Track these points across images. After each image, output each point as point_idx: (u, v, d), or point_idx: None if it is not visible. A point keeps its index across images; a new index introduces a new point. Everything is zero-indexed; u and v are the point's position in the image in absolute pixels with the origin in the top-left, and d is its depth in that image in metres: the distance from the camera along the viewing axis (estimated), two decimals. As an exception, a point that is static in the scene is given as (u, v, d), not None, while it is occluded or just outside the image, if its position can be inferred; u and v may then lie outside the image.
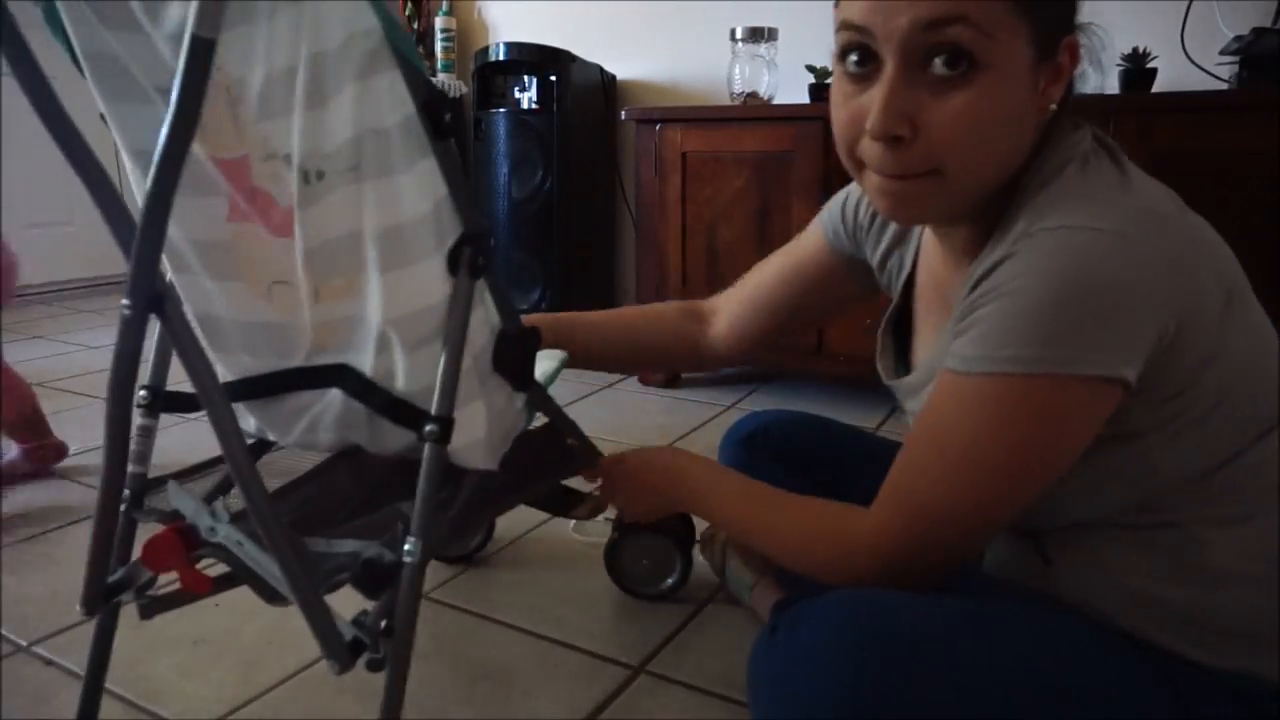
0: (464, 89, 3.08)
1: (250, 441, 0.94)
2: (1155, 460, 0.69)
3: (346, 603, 0.79)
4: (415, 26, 3.21)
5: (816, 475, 1.06)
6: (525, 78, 2.81)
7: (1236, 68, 1.90)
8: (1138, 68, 1.95)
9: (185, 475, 1.00)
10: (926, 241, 0.89)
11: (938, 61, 0.65)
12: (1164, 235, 0.65)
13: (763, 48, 2.43)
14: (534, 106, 2.79)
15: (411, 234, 0.76)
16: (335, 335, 0.86)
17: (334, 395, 0.88)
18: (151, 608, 0.86)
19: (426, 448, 0.78)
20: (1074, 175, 0.69)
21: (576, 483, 1.14)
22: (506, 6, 3.23)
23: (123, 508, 0.90)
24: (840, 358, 2.20)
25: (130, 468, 0.85)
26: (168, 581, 0.83)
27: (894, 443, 1.11)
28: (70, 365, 2.77)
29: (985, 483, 0.69)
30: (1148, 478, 0.70)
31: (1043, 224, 0.66)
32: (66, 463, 1.92)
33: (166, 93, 0.68)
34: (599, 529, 1.43)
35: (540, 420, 0.98)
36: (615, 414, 2.24)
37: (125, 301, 0.71)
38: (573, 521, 1.51)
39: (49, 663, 1.19)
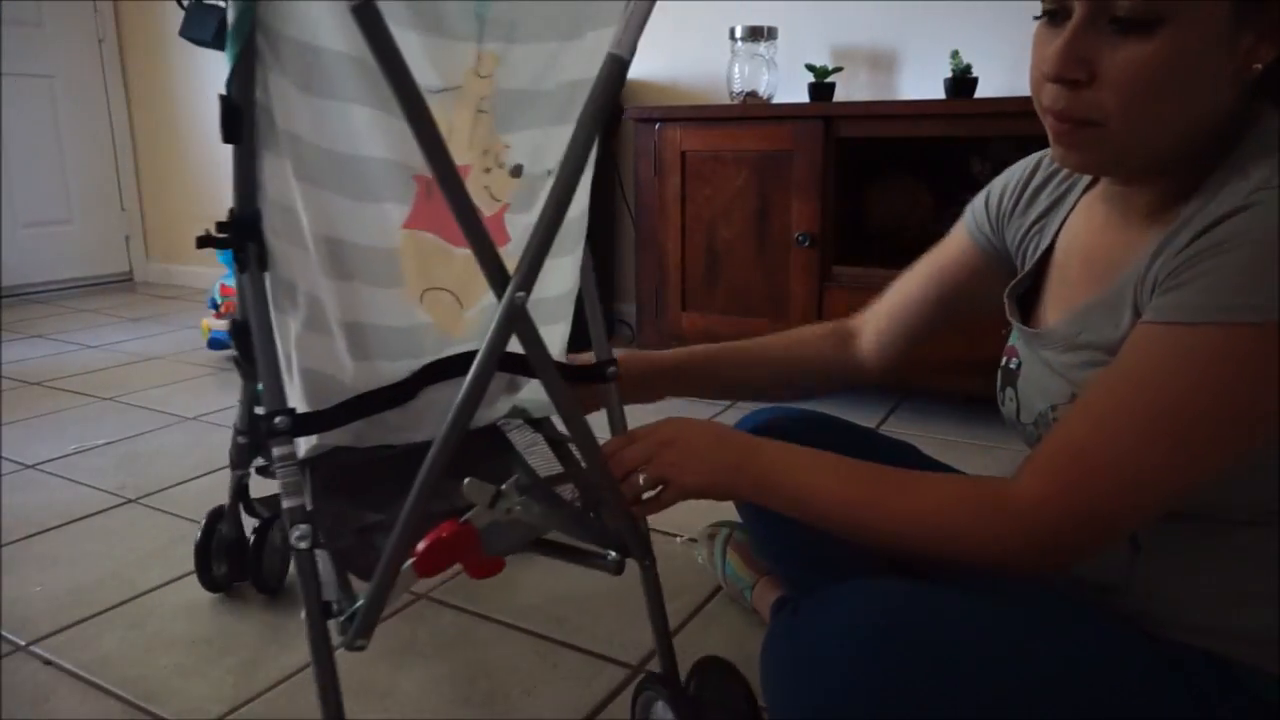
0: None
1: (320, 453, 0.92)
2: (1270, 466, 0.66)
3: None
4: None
5: None
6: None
7: None
8: None
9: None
10: (1082, 210, 0.84)
11: (1122, 5, 0.64)
12: None
13: (762, 47, 2.43)
14: (534, 106, 2.78)
15: (575, 228, 0.92)
16: (483, 321, 0.92)
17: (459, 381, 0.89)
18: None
19: (611, 388, 0.96)
20: None
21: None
22: (506, 6, 3.23)
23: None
24: (840, 357, 2.20)
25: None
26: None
27: (901, 442, 1.11)
28: (69, 365, 2.77)
29: (1194, 443, 0.63)
30: (1259, 480, 0.67)
31: (1267, 180, 0.63)
32: (67, 462, 1.92)
33: (434, 93, 0.76)
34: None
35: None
36: (615, 413, 2.24)
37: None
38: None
39: (48, 663, 1.19)
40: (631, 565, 0.94)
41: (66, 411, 2.28)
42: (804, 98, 2.41)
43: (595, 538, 0.93)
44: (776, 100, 2.47)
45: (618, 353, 0.97)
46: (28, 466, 1.91)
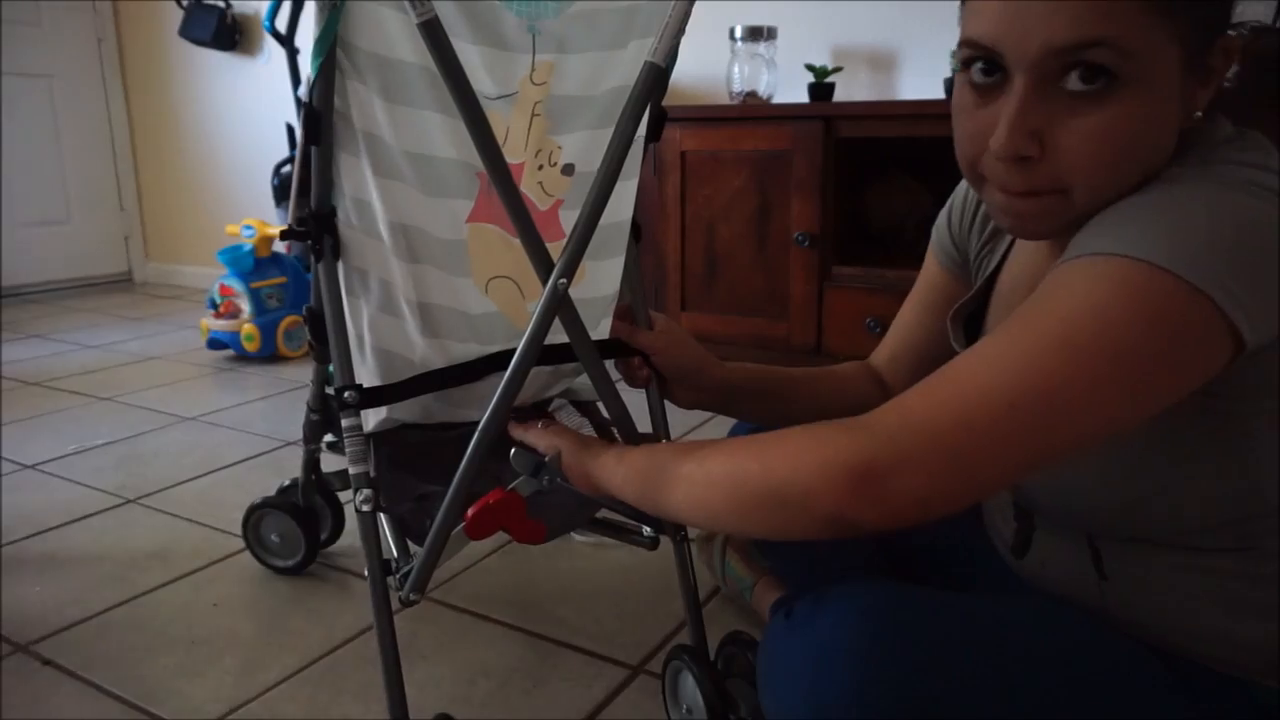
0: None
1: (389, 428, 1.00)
2: (1261, 478, 0.65)
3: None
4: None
5: None
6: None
7: None
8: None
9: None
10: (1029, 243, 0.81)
11: (1073, 76, 0.60)
12: None
13: (762, 47, 2.43)
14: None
15: (620, 230, 0.98)
16: None
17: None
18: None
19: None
20: (1228, 147, 0.63)
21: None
22: (505, 6, 3.23)
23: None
24: (840, 357, 2.20)
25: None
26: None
27: None
28: (68, 365, 2.77)
29: (1080, 372, 0.56)
30: (1248, 497, 0.66)
31: (1199, 161, 0.62)
32: (66, 462, 1.92)
33: (493, 100, 0.84)
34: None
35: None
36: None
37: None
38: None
39: (48, 663, 1.19)
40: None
41: (65, 411, 2.28)
42: (804, 98, 2.41)
43: (632, 513, 0.99)
44: (776, 100, 2.47)
45: (660, 318, 1.01)
46: (27, 466, 1.90)
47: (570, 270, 0.78)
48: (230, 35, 3.62)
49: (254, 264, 2.73)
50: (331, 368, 0.94)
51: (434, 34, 0.70)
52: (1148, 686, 0.68)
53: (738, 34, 2.41)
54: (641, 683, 1.13)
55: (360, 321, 0.94)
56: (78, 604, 1.34)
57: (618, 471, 0.80)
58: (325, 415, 1.25)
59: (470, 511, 0.81)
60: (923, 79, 2.46)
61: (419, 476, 0.99)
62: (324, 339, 0.93)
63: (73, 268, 4.03)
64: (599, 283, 1.00)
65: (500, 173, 0.75)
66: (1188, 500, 0.67)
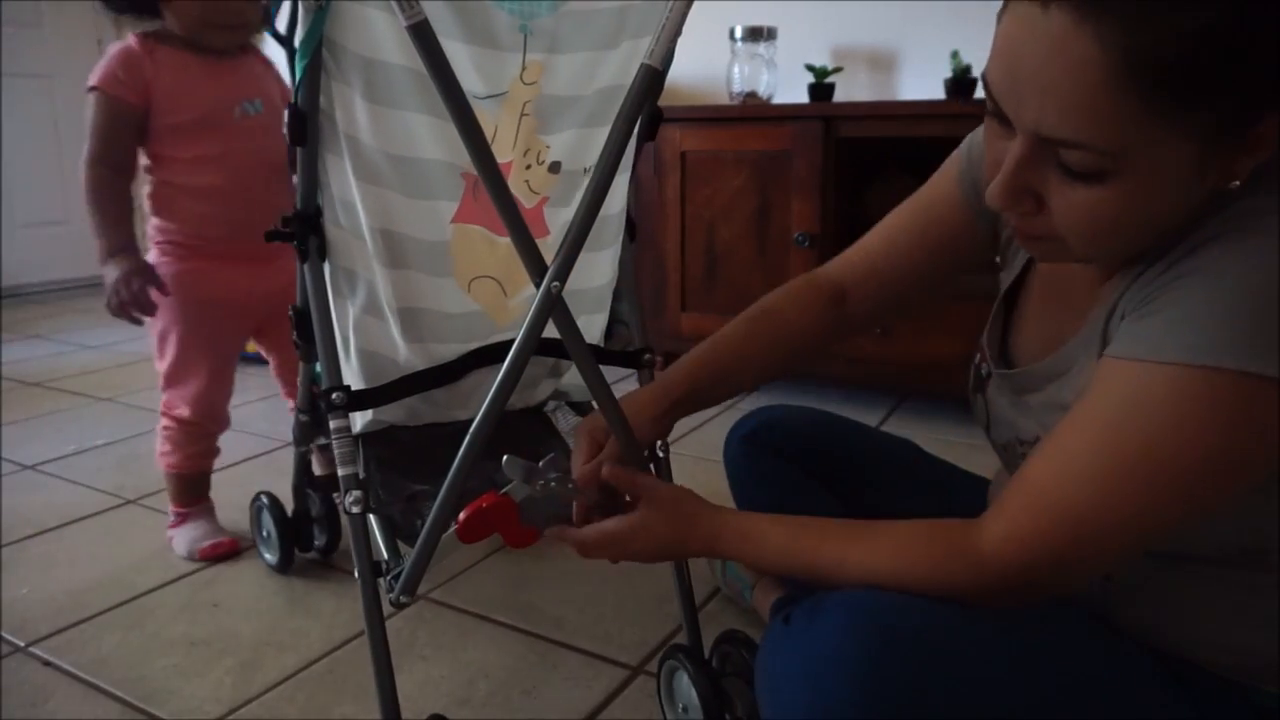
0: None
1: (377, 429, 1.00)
2: (1271, 492, 0.64)
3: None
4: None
5: (822, 472, 1.06)
6: (524, 77, 2.80)
7: None
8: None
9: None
10: None
11: (1071, 156, 0.58)
12: None
13: (762, 47, 2.42)
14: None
15: (614, 223, 0.98)
16: (526, 311, 0.97)
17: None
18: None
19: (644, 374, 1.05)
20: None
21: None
22: (505, 6, 3.23)
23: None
24: (840, 358, 2.20)
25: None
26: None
27: (904, 440, 1.11)
28: (68, 365, 2.77)
29: (1162, 490, 0.60)
30: (1263, 519, 0.66)
31: (1263, 209, 0.58)
32: (65, 463, 1.92)
33: (480, 99, 0.83)
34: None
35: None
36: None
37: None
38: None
39: (48, 663, 1.19)
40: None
41: (65, 412, 2.28)
42: (804, 98, 2.40)
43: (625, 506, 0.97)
44: (776, 100, 2.47)
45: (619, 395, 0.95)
46: (27, 467, 1.90)
47: (564, 274, 0.78)
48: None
49: (254, 264, 2.73)
50: (318, 368, 0.93)
51: (423, 36, 0.68)
52: (1149, 692, 0.68)
53: (738, 34, 2.41)
54: (641, 683, 1.13)
55: (346, 323, 0.94)
56: (77, 605, 1.34)
57: (751, 553, 0.77)
58: (314, 416, 1.24)
59: (463, 515, 0.81)
60: (923, 79, 2.45)
61: (410, 477, 0.99)
62: (310, 338, 0.93)
63: (73, 268, 4.03)
64: (589, 274, 0.99)
65: (492, 174, 0.74)
66: (1214, 523, 0.66)
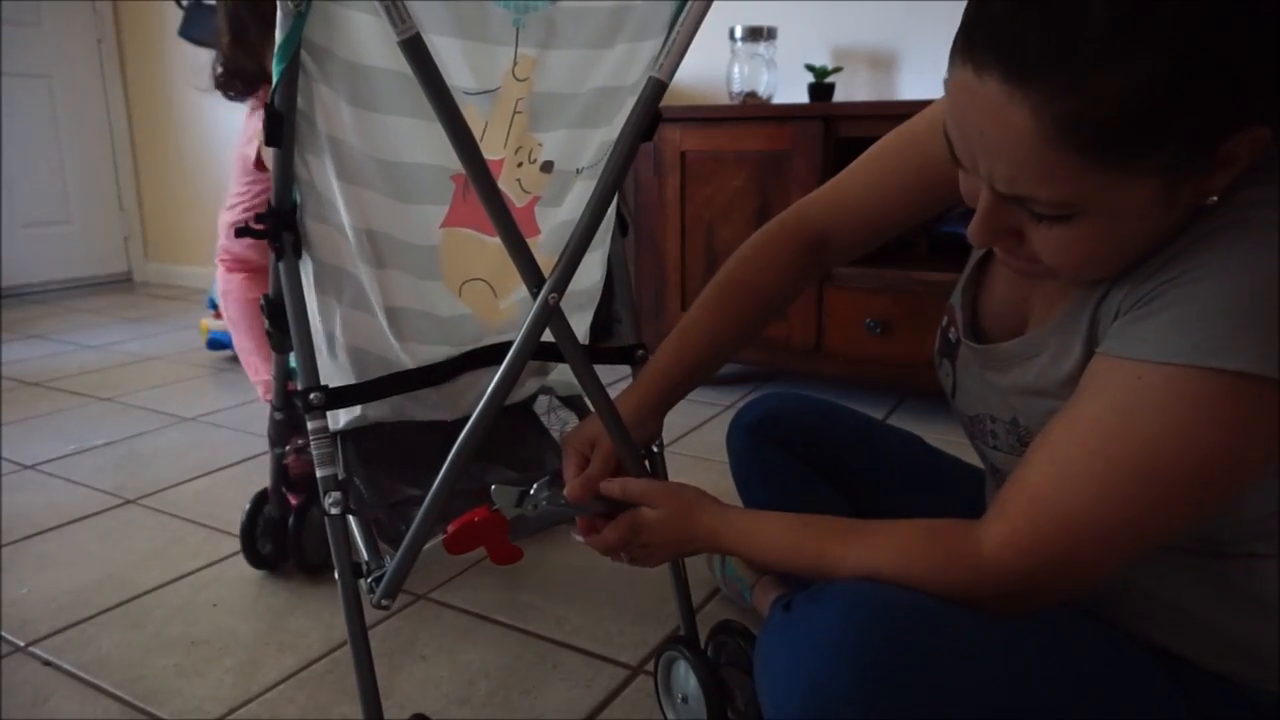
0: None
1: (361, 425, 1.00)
2: (1242, 502, 0.65)
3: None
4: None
5: (827, 466, 1.05)
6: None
7: None
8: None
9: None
10: None
11: (1036, 203, 0.59)
12: None
13: (761, 47, 2.42)
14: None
15: (605, 224, 0.98)
16: (518, 314, 0.99)
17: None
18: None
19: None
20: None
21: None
22: (505, 6, 3.23)
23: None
24: (839, 358, 2.20)
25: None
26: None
27: (906, 432, 1.11)
28: (68, 365, 2.77)
29: (1163, 495, 0.59)
30: (1230, 518, 0.66)
31: (1262, 200, 0.57)
32: (65, 463, 1.92)
33: (472, 95, 0.82)
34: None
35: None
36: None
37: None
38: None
39: (48, 663, 1.19)
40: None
41: (65, 412, 2.28)
42: (804, 98, 2.41)
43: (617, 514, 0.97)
44: (776, 100, 2.47)
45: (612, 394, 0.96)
46: (27, 467, 1.90)
47: (562, 285, 0.77)
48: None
49: (254, 264, 2.74)
50: (293, 360, 0.92)
51: (416, 51, 0.67)
52: (1146, 688, 0.68)
53: (738, 34, 2.41)
54: (641, 683, 1.13)
55: (332, 320, 0.93)
56: (77, 605, 1.34)
57: (752, 549, 0.78)
58: (290, 415, 1.22)
59: (452, 527, 0.80)
60: (923, 79, 2.46)
61: (396, 476, 0.98)
62: (283, 327, 0.91)
63: (73, 268, 4.03)
64: (580, 276, 0.98)
65: (482, 176, 0.73)
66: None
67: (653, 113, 0.78)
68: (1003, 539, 0.64)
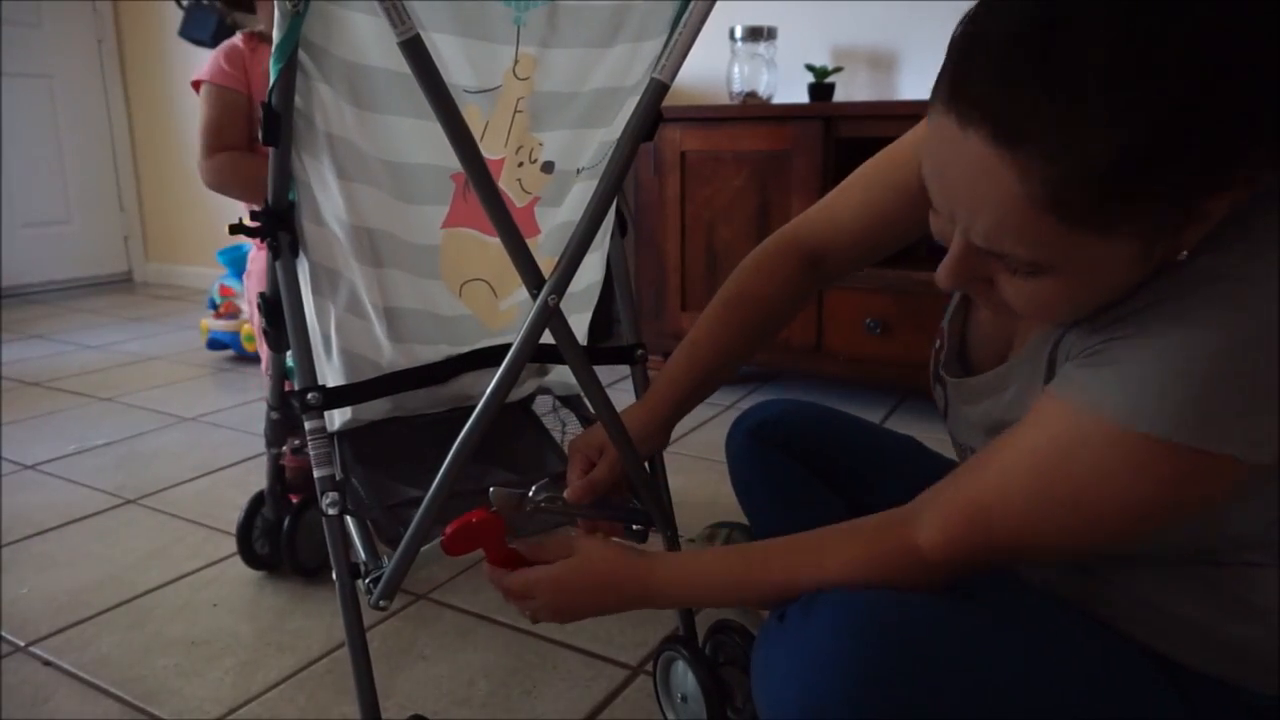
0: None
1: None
2: (1226, 520, 0.65)
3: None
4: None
5: (826, 471, 1.06)
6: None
7: None
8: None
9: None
10: None
11: (1008, 257, 0.59)
12: None
13: (762, 47, 2.42)
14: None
15: (605, 225, 0.99)
16: (518, 315, 0.99)
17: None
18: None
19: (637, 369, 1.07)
20: (1263, 220, 0.58)
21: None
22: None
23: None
24: (839, 358, 2.20)
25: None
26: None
27: (907, 437, 1.11)
28: (68, 365, 2.77)
29: (1084, 531, 0.63)
30: (1212, 533, 0.66)
31: (1219, 274, 0.57)
32: (66, 463, 1.92)
33: (474, 93, 0.83)
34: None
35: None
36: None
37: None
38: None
39: (48, 663, 1.19)
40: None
41: (65, 412, 2.28)
42: (804, 98, 2.41)
43: (618, 516, 0.98)
44: (776, 100, 2.47)
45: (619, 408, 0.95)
46: (27, 467, 1.90)
47: (561, 287, 0.78)
48: (230, 36, 3.61)
49: (254, 264, 2.74)
50: (290, 362, 0.92)
51: (416, 52, 0.67)
52: (1144, 690, 0.68)
53: (738, 34, 2.41)
54: (641, 683, 1.13)
55: (327, 321, 0.93)
56: (77, 605, 1.34)
57: (692, 592, 0.77)
58: (287, 414, 1.22)
59: (450, 528, 0.80)
60: (923, 79, 2.46)
61: (395, 477, 0.98)
62: (280, 324, 0.91)
63: (73, 268, 4.03)
64: (579, 276, 0.99)
65: (481, 177, 0.73)
66: (1161, 540, 0.67)
67: (654, 114, 0.78)
68: (939, 534, 0.67)
